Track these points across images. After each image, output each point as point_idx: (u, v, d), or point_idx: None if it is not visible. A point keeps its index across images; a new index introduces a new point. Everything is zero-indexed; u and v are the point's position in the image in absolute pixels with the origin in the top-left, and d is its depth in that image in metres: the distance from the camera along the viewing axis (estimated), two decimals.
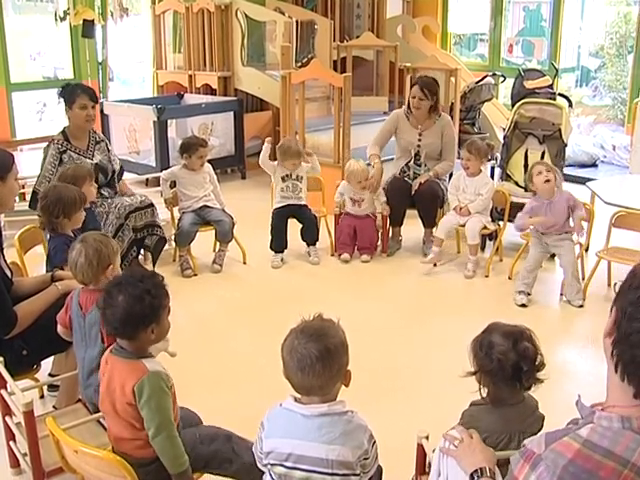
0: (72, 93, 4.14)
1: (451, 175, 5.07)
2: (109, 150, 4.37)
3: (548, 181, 3.98)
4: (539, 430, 1.96)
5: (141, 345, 2.02)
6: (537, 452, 1.25)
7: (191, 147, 4.57)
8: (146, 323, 1.98)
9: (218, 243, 4.68)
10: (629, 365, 1.21)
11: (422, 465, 2.00)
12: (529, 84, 6.60)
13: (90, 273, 2.39)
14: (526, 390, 1.99)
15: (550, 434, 1.29)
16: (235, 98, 6.98)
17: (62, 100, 4.20)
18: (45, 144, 4.22)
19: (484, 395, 2.01)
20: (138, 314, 1.96)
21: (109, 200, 4.21)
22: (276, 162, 4.79)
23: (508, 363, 1.92)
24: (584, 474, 1.18)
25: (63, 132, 4.21)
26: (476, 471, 1.70)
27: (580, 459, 1.20)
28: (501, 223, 4.71)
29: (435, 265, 4.67)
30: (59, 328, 2.49)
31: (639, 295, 1.20)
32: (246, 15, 6.95)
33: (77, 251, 2.41)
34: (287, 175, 4.73)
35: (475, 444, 1.79)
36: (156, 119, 6.19)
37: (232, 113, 6.86)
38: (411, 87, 4.88)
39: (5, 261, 2.80)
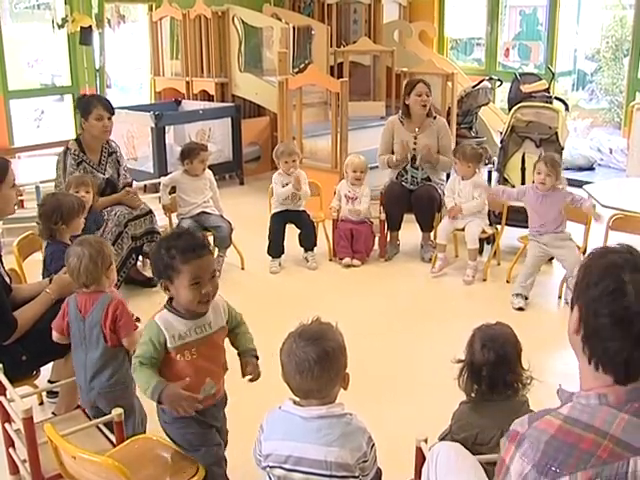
0: (88, 104, 4.13)
1: (448, 179, 5.08)
2: (119, 162, 4.37)
3: (543, 184, 4.02)
4: None
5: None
6: (521, 431, 1.31)
7: (192, 152, 4.57)
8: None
9: (216, 249, 4.68)
10: (603, 357, 1.30)
11: (421, 468, 2.00)
12: (526, 88, 6.62)
13: (95, 274, 2.40)
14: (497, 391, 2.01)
15: (532, 415, 1.36)
16: (232, 104, 6.99)
17: (79, 112, 4.18)
18: (45, 151, 4.21)
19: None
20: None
21: (108, 208, 4.20)
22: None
23: (474, 365, 2.01)
24: (566, 447, 1.24)
25: (77, 141, 4.20)
26: None
27: (561, 434, 1.26)
28: (498, 227, 4.72)
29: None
30: (54, 335, 2.48)
31: (600, 291, 1.28)
32: (243, 21, 6.97)
33: (78, 254, 2.41)
34: (287, 184, 4.73)
35: None
36: (154, 125, 6.20)
37: (230, 119, 6.87)
38: (410, 88, 4.86)
39: (4, 268, 2.80)
